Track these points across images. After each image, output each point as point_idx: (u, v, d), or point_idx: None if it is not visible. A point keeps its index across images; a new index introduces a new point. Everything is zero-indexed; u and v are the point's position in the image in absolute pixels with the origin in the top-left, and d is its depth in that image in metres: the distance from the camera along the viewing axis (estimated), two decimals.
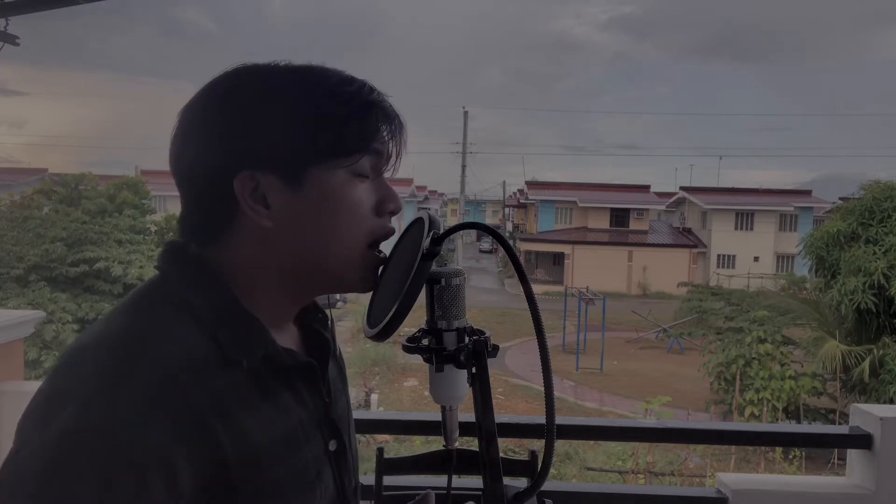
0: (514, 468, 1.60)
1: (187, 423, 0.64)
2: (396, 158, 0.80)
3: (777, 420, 12.33)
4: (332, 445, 0.82)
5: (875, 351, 11.53)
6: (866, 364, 11.39)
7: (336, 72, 0.78)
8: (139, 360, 0.65)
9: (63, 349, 0.76)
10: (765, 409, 12.40)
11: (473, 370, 0.83)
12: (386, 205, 0.81)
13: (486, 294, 31.34)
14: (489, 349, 0.83)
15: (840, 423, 10.70)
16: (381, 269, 0.86)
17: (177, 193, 0.78)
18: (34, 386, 3.12)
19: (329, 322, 0.90)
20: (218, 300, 0.74)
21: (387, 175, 0.82)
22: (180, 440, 0.63)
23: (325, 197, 0.75)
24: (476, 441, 0.84)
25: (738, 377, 12.76)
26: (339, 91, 0.76)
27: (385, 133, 0.78)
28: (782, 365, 12.89)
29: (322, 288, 0.82)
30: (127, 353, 0.66)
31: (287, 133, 0.74)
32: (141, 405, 0.62)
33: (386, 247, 0.85)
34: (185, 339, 0.69)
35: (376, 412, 11.63)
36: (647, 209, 39.07)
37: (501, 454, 0.83)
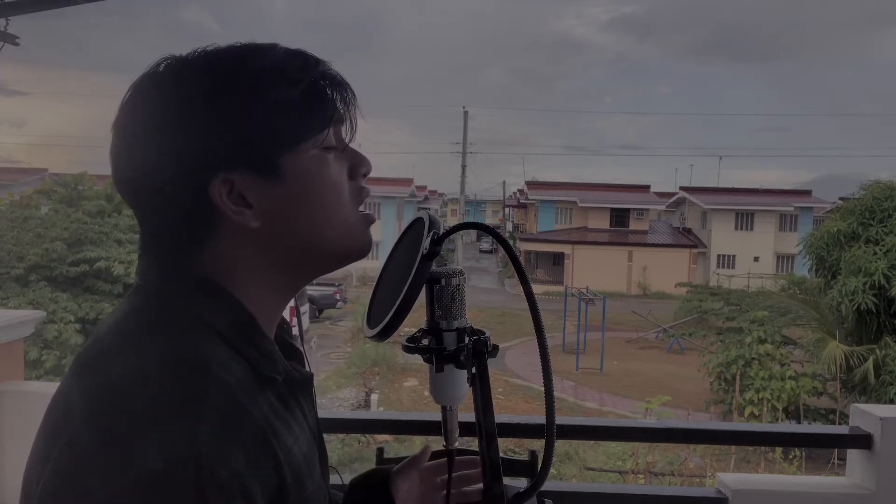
0: (514, 468, 1.59)
1: (255, 445, 0.64)
2: (354, 124, 0.79)
3: (777, 420, 12.33)
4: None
5: (878, 351, 11.53)
6: (870, 364, 11.38)
7: (271, 48, 0.75)
8: (205, 388, 0.63)
9: (84, 385, 0.67)
10: (765, 409, 12.40)
11: (473, 370, 0.83)
12: (359, 168, 0.79)
13: (486, 294, 31.34)
14: (489, 349, 0.84)
15: (840, 424, 10.70)
16: (382, 266, 0.87)
17: None
18: (34, 386, 3.12)
19: (292, 330, 0.88)
20: (235, 318, 0.71)
21: (348, 140, 0.80)
22: (253, 463, 0.62)
23: (306, 180, 0.74)
24: (476, 441, 0.84)
25: (737, 377, 12.76)
26: (288, 70, 0.73)
27: (340, 103, 0.77)
28: (782, 365, 12.89)
29: (319, 268, 0.79)
30: (192, 380, 0.63)
31: (251, 127, 0.70)
32: (219, 432, 0.61)
33: (386, 243, 0.85)
34: (228, 362, 0.67)
35: (376, 412, 11.62)
36: (647, 209, 39.06)
37: (501, 454, 0.83)
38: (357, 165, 0.79)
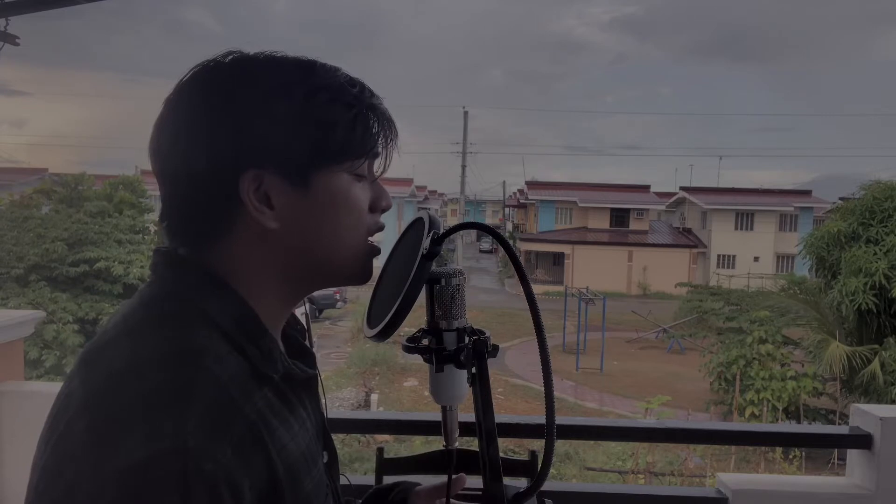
0: (514, 468, 1.59)
1: (246, 439, 0.64)
2: (388, 162, 0.82)
3: (777, 420, 12.33)
4: (325, 457, 0.83)
5: (882, 352, 11.52)
6: (876, 364, 11.36)
7: (334, 70, 0.78)
8: (196, 380, 0.64)
9: (85, 375, 0.69)
10: (765, 409, 12.40)
11: (473, 370, 0.83)
12: (379, 202, 0.82)
13: (486, 294, 31.33)
14: (489, 349, 0.84)
15: (839, 424, 10.70)
16: (382, 267, 0.87)
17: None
18: (34, 386, 3.11)
19: (306, 332, 0.90)
20: (239, 315, 0.73)
21: (379, 175, 0.83)
22: (241, 456, 0.63)
23: (331, 199, 0.76)
24: (476, 441, 0.84)
25: (738, 377, 12.75)
26: (344, 94, 0.76)
27: (382, 139, 0.79)
28: (783, 365, 12.88)
29: (322, 284, 0.82)
30: (182, 373, 0.64)
31: (294, 136, 0.73)
32: (206, 425, 0.61)
33: (386, 243, 0.85)
34: (225, 356, 0.68)
35: (376, 412, 11.62)
36: (647, 209, 39.06)
37: (501, 454, 0.83)
38: (379, 199, 0.82)
